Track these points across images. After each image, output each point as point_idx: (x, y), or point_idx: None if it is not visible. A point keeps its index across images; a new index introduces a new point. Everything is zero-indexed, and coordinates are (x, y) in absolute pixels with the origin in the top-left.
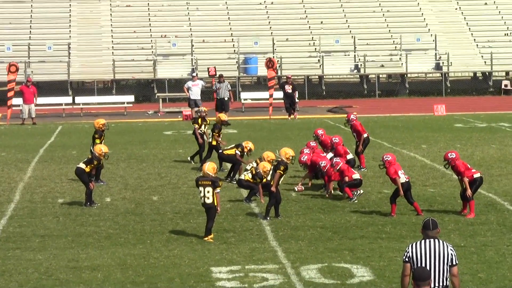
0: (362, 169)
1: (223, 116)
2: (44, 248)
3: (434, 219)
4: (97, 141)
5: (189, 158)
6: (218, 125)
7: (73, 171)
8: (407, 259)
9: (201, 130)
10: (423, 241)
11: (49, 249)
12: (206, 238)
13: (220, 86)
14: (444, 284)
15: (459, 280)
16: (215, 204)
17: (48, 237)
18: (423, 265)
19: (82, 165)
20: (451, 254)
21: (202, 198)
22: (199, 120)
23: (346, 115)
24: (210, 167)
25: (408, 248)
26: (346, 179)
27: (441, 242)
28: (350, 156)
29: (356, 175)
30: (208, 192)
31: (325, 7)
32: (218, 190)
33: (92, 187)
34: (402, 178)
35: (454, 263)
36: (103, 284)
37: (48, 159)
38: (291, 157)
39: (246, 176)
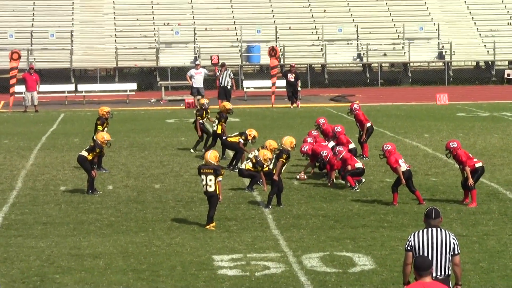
0: (364, 158)
1: (228, 105)
2: (46, 236)
3: (437, 208)
4: (99, 128)
5: (191, 150)
6: (223, 114)
7: (75, 159)
8: (409, 248)
9: (202, 122)
10: (425, 230)
11: (51, 237)
12: (208, 226)
13: (222, 74)
14: (446, 273)
15: (461, 269)
16: (217, 192)
17: (50, 224)
18: (425, 254)
19: (84, 153)
20: (453, 243)
21: (204, 186)
22: (204, 113)
23: (349, 104)
24: (212, 155)
25: (410, 237)
26: (349, 167)
27: (443, 231)
28: (352, 145)
29: (359, 164)
30: (210, 180)
31: None
32: (220, 178)
33: (94, 175)
34: (403, 166)
35: (456, 252)
36: (105, 271)
37: (50, 146)
38: (294, 146)
39: (247, 165)
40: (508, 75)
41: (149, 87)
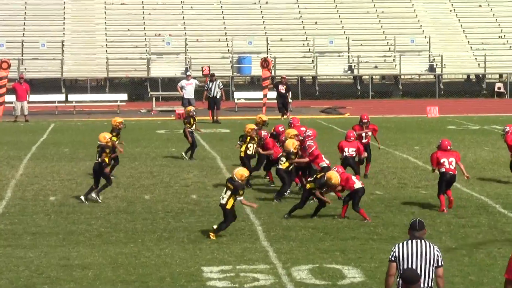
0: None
1: (264, 117)
2: (35, 246)
3: (421, 220)
4: (114, 138)
5: (184, 156)
6: (259, 125)
7: (65, 169)
8: (393, 259)
9: (191, 129)
10: (409, 241)
11: (40, 247)
12: (211, 233)
13: (211, 85)
14: (430, 285)
15: (444, 281)
16: (227, 207)
17: (39, 234)
18: (409, 265)
19: (101, 160)
20: (437, 255)
21: (221, 197)
22: (191, 120)
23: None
24: (239, 173)
25: (394, 248)
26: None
27: (427, 243)
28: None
29: (323, 163)
30: (225, 194)
31: (320, 7)
32: (239, 198)
33: (109, 179)
34: (358, 184)
35: (440, 264)
36: (94, 282)
37: (40, 156)
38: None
39: (283, 164)
40: (499, 88)
41: (140, 97)
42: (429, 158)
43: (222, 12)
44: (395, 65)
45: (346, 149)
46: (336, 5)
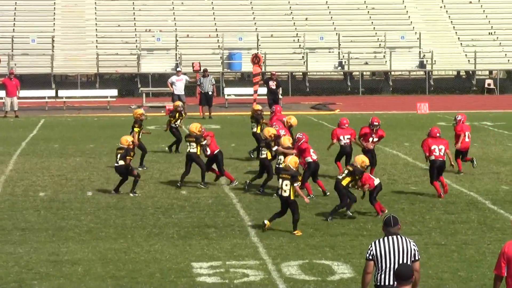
0: None
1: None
2: (25, 242)
3: (395, 216)
4: (136, 129)
5: (167, 149)
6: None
7: (55, 165)
8: (370, 257)
9: (175, 124)
10: (385, 238)
11: (29, 243)
12: (295, 232)
13: (204, 80)
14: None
15: (420, 275)
16: (291, 197)
17: (29, 230)
18: (388, 262)
19: (121, 162)
20: (414, 250)
21: (280, 190)
22: (176, 115)
23: (330, 112)
24: (292, 160)
25: (371, 246)
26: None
27: (403, 238)
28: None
29: (309, 159)
30: (286, 185)
31: (310, 3)
32: (296, 184)
33: (138, 176)
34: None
35: (417, 258)
36: (84, 278)
37: (30, 152)
38: (366, 166)
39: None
40: (489, 84)
41: (130, 93)
42: (419, 154)
43: (213, 8)
44: (386, 61)
45: (342, 137)
46: (326, 1)
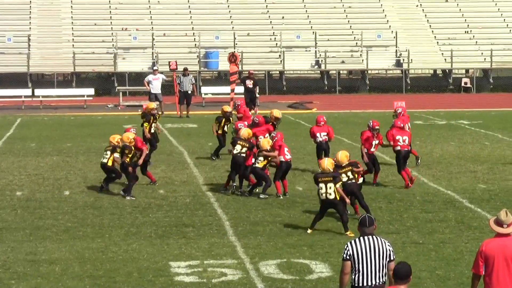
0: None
1: (277, 112)
2: (2, 241)
3: (371, 216)
4: (145, 124)
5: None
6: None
7: (32, 164)
8: (347, 257)
9: (153, 128)
10: (361, 238)
11: (6, 242)
12: (347, 233)
13: (184, 79)
14: (383, 280)
15: None
16: (338, 199)
17: (6, 229)
18: (364, 262)
19: (105, 161)
20: (389, 250)
21: (323, 195)
22: (151, 118)
23: (306, 111)
24: (329, 162)
25: (347, 246)
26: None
27: (379, 238)
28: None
29: (281, 158)
30: (330, 188)
31: (287, 2)
32: (338, 185)
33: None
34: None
35: (392, 258)
36: (61, 277)
37: (6, 151)
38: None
39: (260, 163)
40: (465, 83)
41: (107, 92)
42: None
43: (189, 6)
44: (362, 60)
45: (318, 134)
46: (303, 0)
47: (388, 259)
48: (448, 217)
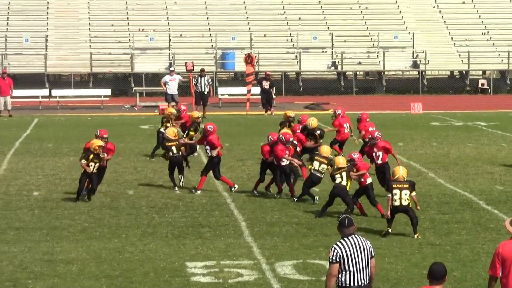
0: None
1: (290, 112)
2: (19, 241)
3: (350, 216)
4: (192, 133)
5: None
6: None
7: (49, 164)
8: (337, 259)
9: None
10: (345, 239)
11: (23, 242)
12: (416, 235)
13: (200, 80)
14: (369, 277)
15: (376, 270)
16: (410, 206)
17: (23, 229)
18: (353, 262)
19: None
20: (370, 248)
21: (398, 201)
22: (163, 120)
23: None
24: (404, 171)
25: (336, 248)
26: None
27: (359, 237)
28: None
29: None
30: (405, 194)
31: (303, 3)
32: (414, 193)
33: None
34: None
35: (373, 255)
36: (78, 277)
37: (24, 151)
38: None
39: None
40: (482, 84)
41: (124, 93)
42: (413, 154)
43: (206, 7)
44: (379, 61)
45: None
46: (319, 1)
47: (370, 256)
48: (465, 219)
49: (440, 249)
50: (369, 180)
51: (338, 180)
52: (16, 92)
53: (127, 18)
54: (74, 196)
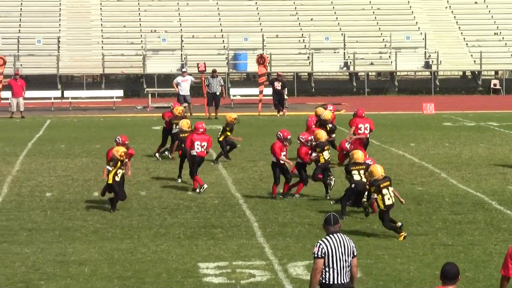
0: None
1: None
2: (32, 242)
3: (335, 214)
4: (228, 133)
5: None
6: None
7: (61, 165)
8: (322, 255)
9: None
10: (331, 236)
11: (36, 243)
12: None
13: (212, 81)
14: (349, 278)
15: (357, 269)
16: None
17: (36, 231)
18: (336, 259)
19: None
20: (353, 246)
21: (390, 199)
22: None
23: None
24: (381, 168)
25: (321, 244)
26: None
27: (343, 236)
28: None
29: (193, 152)
30: (391, 192)
31: (315, 4)
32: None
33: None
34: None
35: (355, 254)
36: (90, 278)
37: (36, 152)
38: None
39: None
40: (495, 85)
41: (136, 94)
42: (425, 154)
43: (218, 8)
44: (391, 61)
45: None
46: (331, 2)
47: (352, 255)
48: (477, 219)
49: (452, 249)
50: None
51: (357, 177)
52: (29, 94)
53: (139, 19)
54: (87, 198)
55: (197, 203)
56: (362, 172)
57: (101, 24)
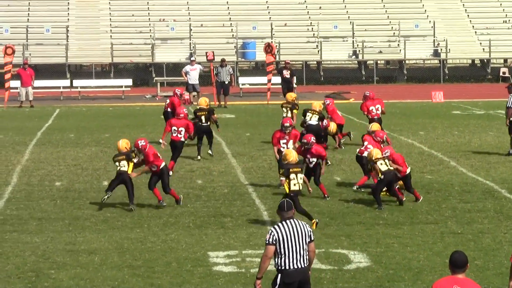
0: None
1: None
2: (41, 231)
3: (289, 200)
4: (295, 111)
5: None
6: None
7: (70, 154)
8: (273, 241)
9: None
10: (283, 222)
11: (46, 232)
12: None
13: (221, 70)
14: (306, 263)
15: (314, 254)
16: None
17: (45, 220)
18: (290, 245)
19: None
20: (310, 231)
21: (296, 185)
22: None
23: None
24: (296, 154)
25: (273, 231)
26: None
27: (298, 221)
28: None
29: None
30: (300, 178)
31: None
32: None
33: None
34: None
35: (312, 239)
36: (100, 267)
37: (45, 142)
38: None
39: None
40: (504, 73)
41: (145, 83)
42: (435, 143)
43: None
44: (400, 50)
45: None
46: None
47: (309, 240)
48: (487, 207)
49: (462, 238)
50: (408, 170)
51: (384, 167)
52: (38, 83)
53: (148, 8)
54: (96, 187)
55: (207, 192)
56: (386, 161)
57: (110, 13)
